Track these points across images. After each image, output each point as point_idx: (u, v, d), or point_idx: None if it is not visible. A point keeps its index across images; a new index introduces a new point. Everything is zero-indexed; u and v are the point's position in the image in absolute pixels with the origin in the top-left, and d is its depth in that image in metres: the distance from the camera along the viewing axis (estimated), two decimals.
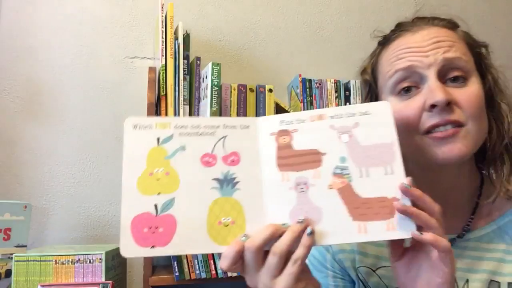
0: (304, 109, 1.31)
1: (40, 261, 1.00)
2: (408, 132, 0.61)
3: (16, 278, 0.99)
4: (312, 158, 0.55)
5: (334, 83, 1.35)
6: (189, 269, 1.09)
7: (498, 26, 1.77)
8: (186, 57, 1.24)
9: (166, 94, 1.20)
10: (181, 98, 1.21)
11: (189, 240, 0.51)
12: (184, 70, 1.22)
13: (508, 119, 0.65)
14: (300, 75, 1.34)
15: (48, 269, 1.00)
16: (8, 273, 1.04)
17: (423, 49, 0.63)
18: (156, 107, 1.23)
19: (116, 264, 1.11)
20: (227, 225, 0.52)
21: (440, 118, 0.59)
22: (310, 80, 1.34)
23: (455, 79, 0.62)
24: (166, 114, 1.19)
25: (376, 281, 0.70)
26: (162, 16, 1.22)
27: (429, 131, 0.60)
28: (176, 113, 1.19)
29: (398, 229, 0.49)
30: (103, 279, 1.00)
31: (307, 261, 0.53)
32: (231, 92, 1.26)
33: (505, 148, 0.65)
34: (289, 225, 0.51)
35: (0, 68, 1.34)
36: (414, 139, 0.61)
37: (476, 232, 0.67)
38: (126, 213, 0.51)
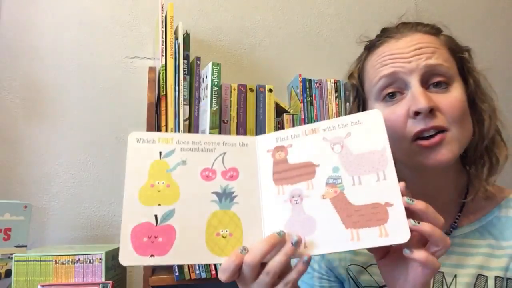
0: (304, 109, 1.31)
1: (40, 261, 1.00)
2: (396, 138, 0.64)
3: (16, 278, 0.99)
4: (306, 171, 0.57)
5: (334, 83, 1.35)
6: (189, 269, 1.09)
7: (497, 26, 1.77)
8: (186, 57, 1.24)
9: (166, 94, 1.20)
10: (181, 98, 1.21)
11: (187, 250, 0.52)
12: (184, 70, 1.22)
13: (488, 121, 0.68)
14: (300, 75, 1.34)
15: (48, 269, 1.00)
16: (8, 273, 1.04)
17: (406, 55, 0.65)
18: (156, 107, 1.23)
19: (116, 264, 1.11)
20: (225, 237, 0.54)
21: (424, 124, 0.62)
22: (310, 80, 1.34)
23: (437, 85, 0.64)
24: (166, 114, 1.19)
25: (367, 278, 0.72)
26: (162, 16, 1.22)
27: (416, 137, 0.63)
28: (176, 113, 1.19)
29: (391, 235, 0.49)
30: (103, 279, 1.00)
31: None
32: (231, 92, 1.26)
33: (485, 149, 0.68)
34: (284, 233, 0.53)
35: (0, 68, 1.34)
36: (402, 145, 0.64)
37: (463, 229, 0.69)
38: (126, 222, 0.52)
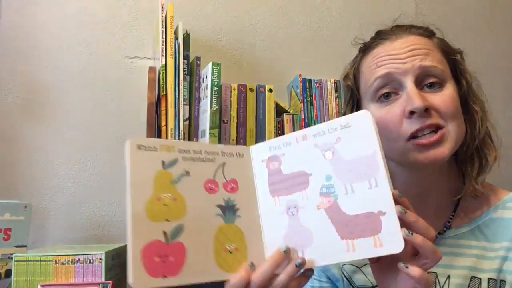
0: (304, 109, 1.31)
1: (40, 261, 1.00)
2: (391, 137, 0.65)
3: (16, 278, 0.99)
4: (299, 181, 0.55)
5: (334, 83, 1.35)
6: None
7: (497, 26, 1.77)
8: (186, 57, 1.24)
9: (166, 94, 1.20)
10: (181, 98, 1.21)
11: (199, 269, 0.50)
12: (184, 70, 1.22)
13: (479, 122, 0.69)
14: (300, 75, 1.34)
15: (48, 269, 1.00)
16: (8, 273, 1.04)
17: (400, 57, 0.66)
18: (156, 107, 1.23)
19: (116, 264, 1.11)
20: (231, 252, 0.53)
21: (420, 124, 0.63)
22: (310, 80, 1.34)
23: (431, 85, 0.66)
24: (166, 114, 1.19)
25: (362, 278, 0.73)
26: (162, 16, 1.22)
27: (412, 137, 0.64)
28: (176, 113, 1.20)
29: (385, 245, 0.48)
30: (103, 279, 1.00)
31: None
32: (231, 92, 1.26)
33: (475, 150, 0.70)
34: (288, 249, 0.53)
35: (1, 68, 1.34)
36: (397, 145, 0.65)
37: (456, 230, 0.70)
38: (135, 241, 0.47)
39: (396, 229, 0.48)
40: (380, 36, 0.72)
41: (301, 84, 1.33)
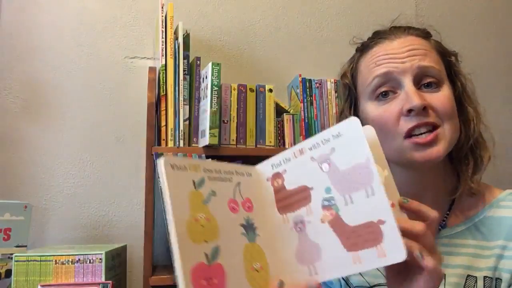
0: (304, 109, 1.31)
1: (40, 261, 1.00)
2: (388, 135, 0.66)
3: (16, 278, 0.99)
4: (302, 196, 0.56)
5: (334, 83, 1.35)
6: None
7: (497, 26, 1.77)
8: (186, 57, 1.24)
9: (166, 94, 1.20)
10: (181, 98, 1.21)
11: None
12: (184, 70, 1.22)
13: (473, 123, 0.71)
14: (300, 75, 1.34)
15: (48, 269, 1.00)
16: (8, 273, 1.04)
17: (399, 56, 0.68)
18: (156, 107, 1.23)
19: (116, 264, 1.11)
20: (258, 271, 0.53)
21: (417, 121, 0.64)
22: (310, 80, 1.34)
23: (428, 85, 0.67)
24: (166, 114, 1.19)
25: (359, 279, 0.74)
26: (162, 16, 1.22)
27: (408, 135, 0.65)
28: (176, 113, 1.20)
29: (388, 254, 0.48)
30: (103, 279, 1.00)
31: None
32: (231, 92, 1.26)
33: (470, 149, 0.71)
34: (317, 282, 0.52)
35: (1, 68, 1.34)
36: (394, 143, 0.66)
37: (451, 229, 0.71)
38: (184, 264, 0.46)
39: (397, 237, 0.47)
40: (379, 36, 0.73)
41: (301, 84, 1.33)
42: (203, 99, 1.22)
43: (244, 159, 1.20)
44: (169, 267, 1.20)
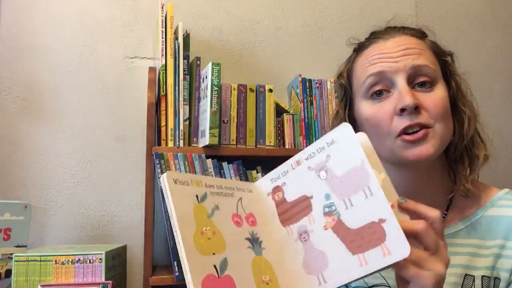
0: (304, 109, 1.31)
1: (40, 261, 1.00)
2: (381, 135, 0.67)
3: (16, 278, 0.99)
4: (303, 205, 0.56)
5: (334, 83, 1.35)
6: None
7: (497, 26, 1.77)
8: (186, 57, 1.24)
9: (166, 94, 1.20)
10: (181, 98, 1.21)
11: None
12: (184, 70, 1.22)
13: (467, 122, 0.71)
14: (300, 75, 1.34)
15: (48, 269, 1.00)
16: (8, 273, 1.04)
17: (393, 55, 0.68)
18: (156, 107, 1.23)
19: (116, 264, 1.11)
20: (268, 284, 0.53)
21: (409, 121, 0.64)
22: (310, 80, 1.34)
23: (422, 84, 0.67)
24: (166, 114, 1.19)
25: None
26: (162, 16, 1.22)
27: (400, 133, 0.65)
28: (176, 113, 1.20)
29: (393, 252, 0.48)
30: (103, 279, 1.00)
31: None
32: (231, 92, 1.26)
33: (465, 149, 0.71)
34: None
35: (1, 68, 1.34)
36: (386, 142, 0.67)
37: (448, 229, 0.71)
38: (195, 277, 0.46)
39: (399, 233, 0.47)
40: (374, 36, 0.74)
41: (301, 84, 1.33)
42: (203, 99, 1.22)
43: (244, 159, 1.20)
44: (169, 267, 1.20)
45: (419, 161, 0.65)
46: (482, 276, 0.67)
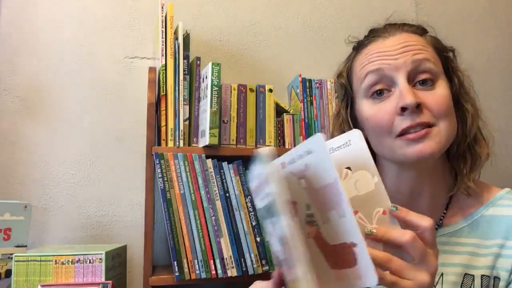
0: (304, 109, 1.31)
1: (40, 261, 1.00)
2: (382, 134, 0.66)
3: (16, 278, 0.99)
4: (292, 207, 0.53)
5: (334, 83, 1.35)
6: (189, 269, 1.09)
7: (497, 25, 1.77)
8: (186, 57, 1.24)
9: (166, 94, 1.20)
10: (181, 98, 1.21)
11: None
12: (184, 70, 1.22)
13: (470, 120, 0.70)
14: (300, 75, 1.34)
15: (48, 269, 1.00)
16: (8, 273, 1.04)
17: (393, 53, 0.67)
18: (156, 107, 1.23)
19: (116, 264, 1.11)
20: None
21: (411, 121, 0.63)
22: (310, 80, 1.34)
23: (423, 82, 0.66)
24: (166, 114, 1.19)
25: None
26: (162, 16, 1.22)
27: (401, 134, 0.64)
28: (176, 113, 1.20)
29: (363, 278, 0.46)
30: (103, 279, 1.00)
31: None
32: (231, 92, 1.26)
33: (467, 147, 0.70)
34: None
35: (0, 68, 1.34)
36: (388, 141, 0.65)
37: (448, 228, 0.70)
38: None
39: (367, 262, 0.45)
40: (373, 34, 0.73)
41: (301, 84, 1.33)
42: (203, 99, 1.22)
43: (244, 159, 1.20)
44: (169, 267, 1.20)
45: (421, 159, 0.63)
46: (482, 276, 0.67)
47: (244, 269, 1.12)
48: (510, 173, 1.56)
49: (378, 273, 0.46)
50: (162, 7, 1.23)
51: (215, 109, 1.17)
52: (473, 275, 0.67)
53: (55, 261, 1.00)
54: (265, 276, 1.11)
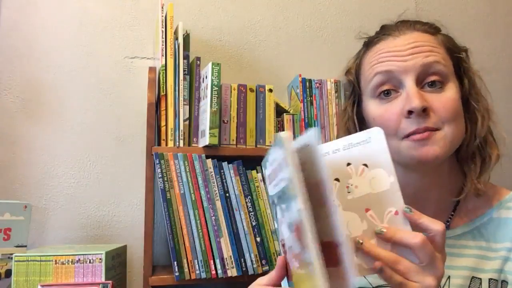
0: (304, 109, 1.31)
1: (40, 261, 1.00)
2: (387, 135, 0.63)
3: (16, 278, 0.99)
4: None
5: (334, 83, 1.35)
6: (189, 269, 1.09)
7: (498, 25, 1.77)
8: (186, 57, 1.24)
9: (166, 94, 1.20)
10: (181, 98, 1.21)
11: None
12: (184, 70, 1.22)
13: (481, 121, 0.68)
14: (300, 75, 1.34)
15: (48, 269, 1.00)
16: (8, 273, 1.04)
17: (402, 54, 0.65)
18: (156, 107, 1.23)
19: (116, 264, 1.11)
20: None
21: (417, 125, 0.62)
22: (310, 80, 1.34)
23: (432, 84, 0.65)
24: (166, 114, 1.19)
25: (361, 280, 0.73)
26: (162, 16, 1.22)
27: (407, 136, 0.63)
28: (176, 113, 1.20)
29: (345, 278, 0.45)
30: (103, 279, 1.00)
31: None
32: (231, 92, 1.26)
33: (477, 148, 0.69)
34: None
35: (1, 68, 1.34)
36: (393, 143, 0.64)
37: (456, 230, 0.69)
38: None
39: (349, 263, 0.44)
40: (384, 32, 0.71)
41: (301, 84, 1.33)
42: (203, 99, 1.22)
43: (244, 159, 1.20)
44: (169, 267, 1.20)
45: (425, 161, 0.63)
46: (490, 279, 0.65)
47: (244, 269, 1.12)
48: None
49: (385, 272, 0.47)
50: (162, 7, 1.23)
51: (215, 109, 1.17)
52: (481, 279, 0.66)
53: (55, 261, 1.00)
54: None
